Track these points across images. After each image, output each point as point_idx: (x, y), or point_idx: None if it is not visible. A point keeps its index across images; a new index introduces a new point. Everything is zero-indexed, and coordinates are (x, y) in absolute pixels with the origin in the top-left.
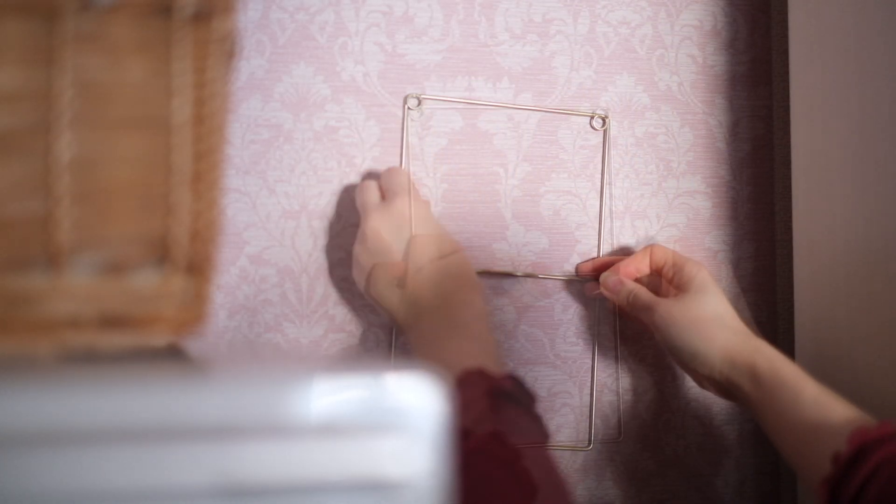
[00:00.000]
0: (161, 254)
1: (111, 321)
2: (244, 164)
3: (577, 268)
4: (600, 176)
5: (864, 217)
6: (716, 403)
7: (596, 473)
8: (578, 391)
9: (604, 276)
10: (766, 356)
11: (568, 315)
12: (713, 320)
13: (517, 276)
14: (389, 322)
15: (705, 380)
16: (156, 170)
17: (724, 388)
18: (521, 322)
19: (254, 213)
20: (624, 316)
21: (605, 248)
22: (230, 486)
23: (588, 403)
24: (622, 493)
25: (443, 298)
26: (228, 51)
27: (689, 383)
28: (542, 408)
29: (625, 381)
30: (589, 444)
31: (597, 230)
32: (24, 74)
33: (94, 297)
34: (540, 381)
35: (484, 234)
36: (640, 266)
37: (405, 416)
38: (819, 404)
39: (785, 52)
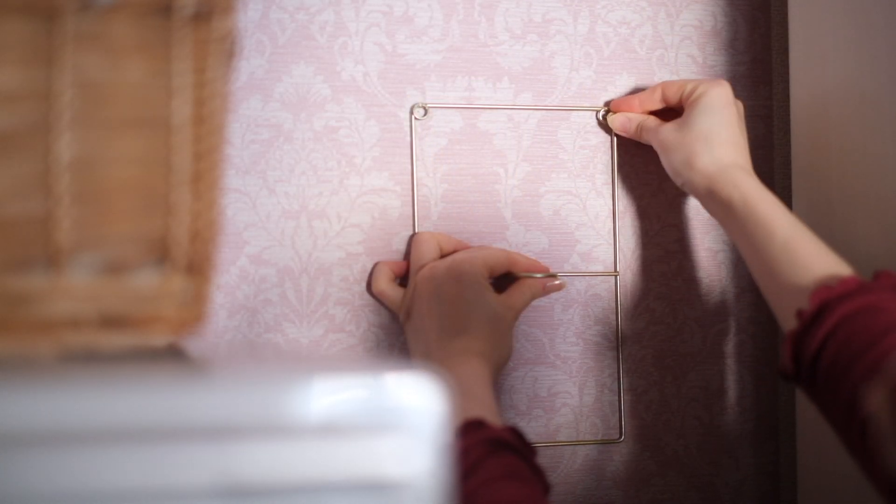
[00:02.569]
0: (161, 254)
1: (111, 321)
2: (244, 164)
3: (610, 106)
4: (604, 172)
5: (864, 217)
6: (716, 403)
7: (596, 473)
8: (578, 391)
9: (611, 118)
10: (742, 191)
11: (568, 315)
12: (701, 142)
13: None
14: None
15: (701, 202)
16: (156, 170)
17: (712, 213)
18: (521, 322)
19: (254, 213)
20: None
21: (611, 242)
22: (230, 486)
23: (589, 403)
24: (622, 493)
25: (443, 297)
26: (228, 51)
27: (689, 383)
28: (544, 412)
29: (625, 381)
30: (621, 436)
31: (597, 230)
32: (24, 74)
33: (94, 297)
34: (540, 381)
35: (484, 234)
36: (645, 103)
37: (405, 416)
38: (788, 250)
39: (785, 52)
